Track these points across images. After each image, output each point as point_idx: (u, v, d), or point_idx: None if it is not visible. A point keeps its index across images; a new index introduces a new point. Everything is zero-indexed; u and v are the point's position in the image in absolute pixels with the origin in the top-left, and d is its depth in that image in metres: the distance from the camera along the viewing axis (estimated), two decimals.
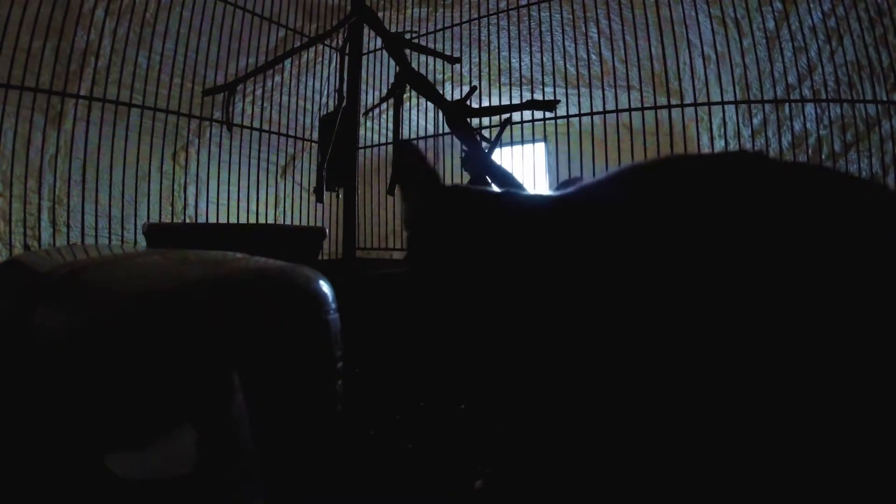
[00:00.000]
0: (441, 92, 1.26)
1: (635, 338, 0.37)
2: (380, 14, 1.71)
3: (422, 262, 0.46)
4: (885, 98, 1.37)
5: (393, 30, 1.51)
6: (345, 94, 1.71)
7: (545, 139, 2.01)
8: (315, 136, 1.80)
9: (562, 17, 2.01)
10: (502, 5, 1.76)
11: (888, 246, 0.33)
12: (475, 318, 0.43)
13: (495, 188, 0.91)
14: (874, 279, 0.32)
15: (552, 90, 1.63)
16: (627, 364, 0.37)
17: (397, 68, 1.33)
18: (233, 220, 1.83)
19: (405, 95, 1.41)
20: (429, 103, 1.35)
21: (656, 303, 0.36)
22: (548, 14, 1.83)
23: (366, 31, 1.73)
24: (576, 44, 2.00)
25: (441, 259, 0.44)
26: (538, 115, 1.59)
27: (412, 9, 2.03)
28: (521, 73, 2.02)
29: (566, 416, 0.40)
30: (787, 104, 1.60)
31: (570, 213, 0.43)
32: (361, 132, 1.89)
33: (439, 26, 1.82)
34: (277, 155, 1.89)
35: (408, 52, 1.37)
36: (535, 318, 0.40)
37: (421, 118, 2.16)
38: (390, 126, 1.57)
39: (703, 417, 0.35)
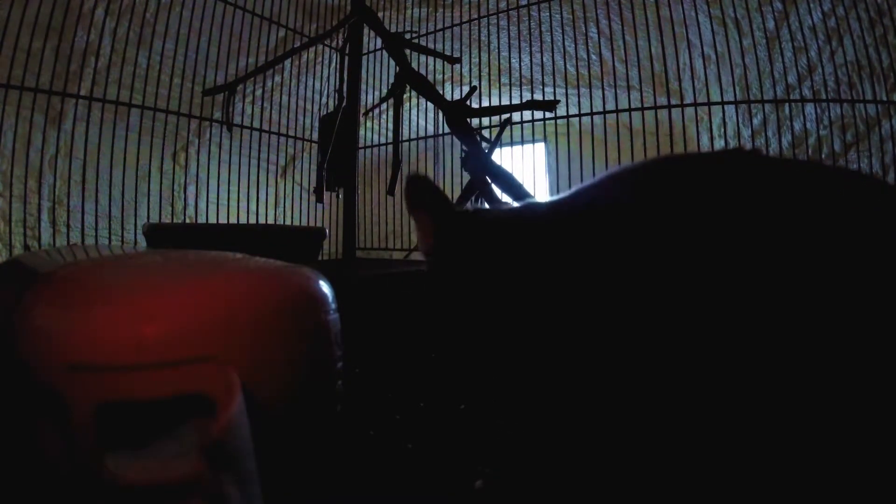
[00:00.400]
0: (441, 92, 1.26)
1: (634, 337, 0.37)
2: (380, 14, 1.71)
3: (441, 283, 0.48)
4: (885, 98, 1.37)
5: (393, 30, 1.51)
6: (345, 94, 1.71)
7: (545, 139, 2.01)
8: (315, 136, 1.80)
9: (562, 17, 2.01)
10: (502, 5, 1.76)
11: (887, 242, 0.33)
12: (484, 326, 0.43)
13: (502, 206, 0.92)
14: (872, 275, 0.32)
15: (552, 90, 1.63)
16: (626, 365, 0.37)
17: (397, 68, 1.33)
18: (233, 220, 1.83)
19: (405, 95, 1.41)
20: (429, 103, 1.35)
21: (654, 302, 0.36)
22: (548, 14, 1.83)
23: (366, 31, 1.73)
24: (576, 44, 2.00)
25: (459, 279, 0.46)
26: (538, 115, 1.59)
27: (412, 9, 2.03)
28: (521, 73, 2.02)
29: (567, 416, 0.40)
30: (787, 104, 1.61)
31: (566, 216, 0.43)
32: (361, 132, 1.89)
33: (439, 26, 1.82)
34: (277, 155, 1.89)
35: (408, 52, 1.37)
36: (540, 321, 0.40)
37: (421, 118, 2.16)
38: (390, 126, 1.56)
39: (702, 417, 0.35)
